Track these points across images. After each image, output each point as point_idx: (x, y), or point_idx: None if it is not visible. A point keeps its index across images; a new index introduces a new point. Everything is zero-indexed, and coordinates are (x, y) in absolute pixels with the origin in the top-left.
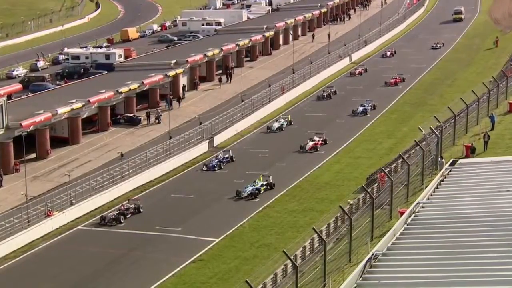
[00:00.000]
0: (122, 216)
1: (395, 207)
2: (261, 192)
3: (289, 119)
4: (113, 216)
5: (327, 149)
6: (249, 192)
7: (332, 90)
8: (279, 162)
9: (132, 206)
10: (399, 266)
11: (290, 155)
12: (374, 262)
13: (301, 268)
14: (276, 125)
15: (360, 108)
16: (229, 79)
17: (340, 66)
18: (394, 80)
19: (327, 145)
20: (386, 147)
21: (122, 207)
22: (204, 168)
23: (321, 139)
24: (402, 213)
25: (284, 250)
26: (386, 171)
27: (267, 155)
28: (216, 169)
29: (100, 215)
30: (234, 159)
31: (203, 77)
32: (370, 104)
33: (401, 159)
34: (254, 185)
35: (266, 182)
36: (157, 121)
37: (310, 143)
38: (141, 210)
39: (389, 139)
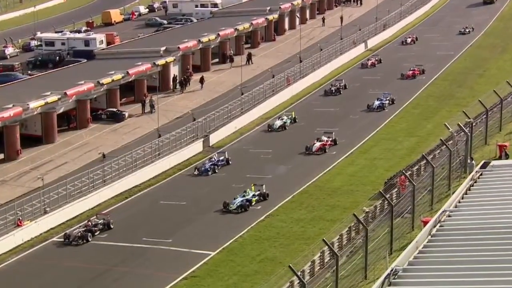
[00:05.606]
0: (89, 234)
1: (418, 216)
2: (253, 203)
3: (293, 116)
4: (79, 233)
5: (339, 150)
6: (238, 204)
7: (342, 84)
8: (284, 164)
9: (101, 221)
10: (422, 284)
11: (296, 157)
12: (394, 278)
13: (309, 286)
14: (278, 123)
15: (377, 103)
16: (249, 61)
17: (354, 54)
18: (412, 71)
19: (338, 145)
20: (407, 147)
21: (89, 223)
22: (196, 172)
23: (330, 139)
24: (425, 223)
25: (290, 265)
26: (407, 174)
27: (270, 156)
28: (209, 173)
29: (64, 233)
30: (230, 162)
31: (197, 66)
32: (388, 98)
33: (425, 161)
34: (244, 196)
35: (258, 192)
36: (151, 109)
37: (318, 144)
38: (111, 226)
39: (410, 137)
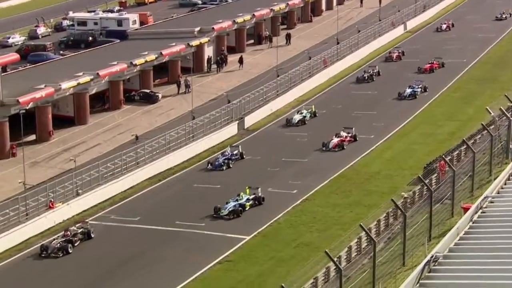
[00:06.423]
0: (69, 245)
1: (458, 202)
2: (246, 208)
3: (313, 110)
4: (58, 245)
5: (378, 133)
6: (230, 210)
7: (375, 71)
8: (321, 149)
9: (80, 230)
10: (463, 271)
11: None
12: (434, 265)
13: (346, 272)
14: (297, 117)
15: (408, 91)
16: (288, 41)
17: (393, 36)
18: (429, 65)
19: (375, 130)
20: (447, 131)
21: (68, 232)
22: (209, 167)
23: (350, 135)
24: (465, 209)
25: (326, 250)
26: (447, 159)
27: (305, 140)
28: (223, 168)
29: (40, 244)
30: (244, 156)
31: (231, 47)
32: (420, 86)
33: (465, 146)
34: (237, 200)
35: (253, 196)
36: (186, 89)
37: (335, 140)
38: (92, 236)
39: (451, 121)
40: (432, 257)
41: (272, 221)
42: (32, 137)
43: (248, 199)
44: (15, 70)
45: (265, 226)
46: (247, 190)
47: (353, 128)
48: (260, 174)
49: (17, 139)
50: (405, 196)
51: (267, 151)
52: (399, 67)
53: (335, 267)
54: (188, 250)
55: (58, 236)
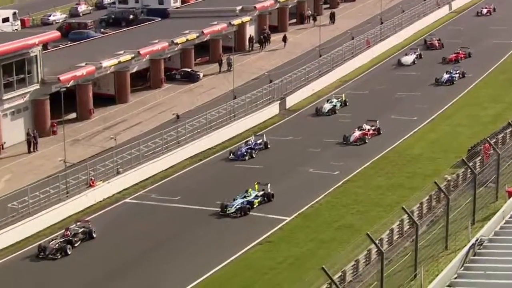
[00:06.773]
0: (68, 245)
1: (502, 186)
2: (255, 206)
3: (344, 98)
4: (57, 245)
5: (421, 115)
6: (237, 207)
7: (417, 53)
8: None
9: (81, 230)
10: (509, 255)
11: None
12: (479, 249)
13: (387, 255)
14: (327, 106)
15: (445, 76)
16: (332, 20)
17: (438, 16)
18: (455, 55)
19: (421, 111)
20: (492, 114)
21: (68, 232)
22: (231, 157)
23: (374, 127)
24: (510, 193)
25: (368, 232)
26: (491, 142)
27: (349, 120)
28: (246, 157)
29: (38, 244)
30: (268, 146)
31: (274, 26)
32: (458, 71)
33: (511, 128)
34: (245, 197)
35: (262, 193)
36: (228, 68)
37: (357, 133)
38: (94, 235)
39: (496, 104)
40: (477, 240)
41: (313, 202)
42: (73, 115)
43: (256, 196)
44: (56, 48)
45: (306, 207)
46: (256, 186)
47: (377, 121)
48: (300, 154)
49: (57, 117)
50: (449, 179)
51: (308, 132)
52: (442, 50)
53: (376, 249)
54: (228, 230)
55: (57, 236)
